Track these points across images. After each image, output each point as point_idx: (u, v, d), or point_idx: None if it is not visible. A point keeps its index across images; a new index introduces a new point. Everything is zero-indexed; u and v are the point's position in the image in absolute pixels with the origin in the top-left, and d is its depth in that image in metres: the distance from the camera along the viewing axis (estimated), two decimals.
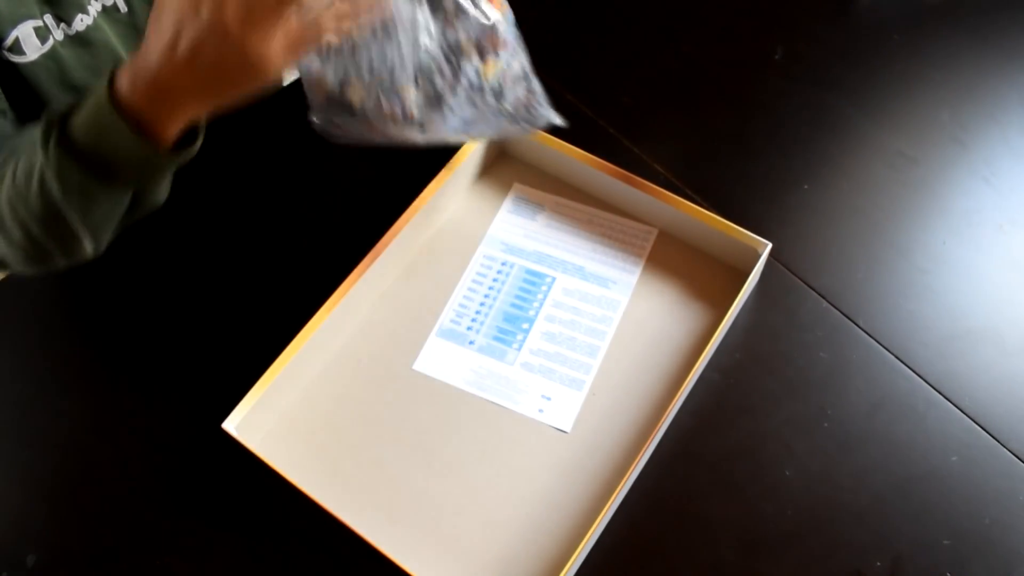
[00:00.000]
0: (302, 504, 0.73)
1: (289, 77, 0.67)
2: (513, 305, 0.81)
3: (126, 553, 0.72)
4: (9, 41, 0.75)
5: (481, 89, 0.65)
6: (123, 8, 0.82)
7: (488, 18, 0.64)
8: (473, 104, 0.66)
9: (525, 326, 0.80)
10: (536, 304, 0.81)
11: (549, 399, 0.76)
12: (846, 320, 0.79)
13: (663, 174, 0.89)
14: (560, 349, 0.78)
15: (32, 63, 0.77)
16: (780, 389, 0.76)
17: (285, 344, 0.75)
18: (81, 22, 0.79)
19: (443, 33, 0.64)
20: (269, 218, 0.90)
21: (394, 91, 0.64)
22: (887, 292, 0.81)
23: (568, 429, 0.75)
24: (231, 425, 0.72)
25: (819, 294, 0.81)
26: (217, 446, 0.76)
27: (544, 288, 0.82)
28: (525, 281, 0.82)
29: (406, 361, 0.79)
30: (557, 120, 0.70)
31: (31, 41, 0.76)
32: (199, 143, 0.66)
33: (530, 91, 0.68)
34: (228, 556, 0.72)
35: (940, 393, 0.75)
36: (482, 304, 0.81)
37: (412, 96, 0.64)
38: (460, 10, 0.63)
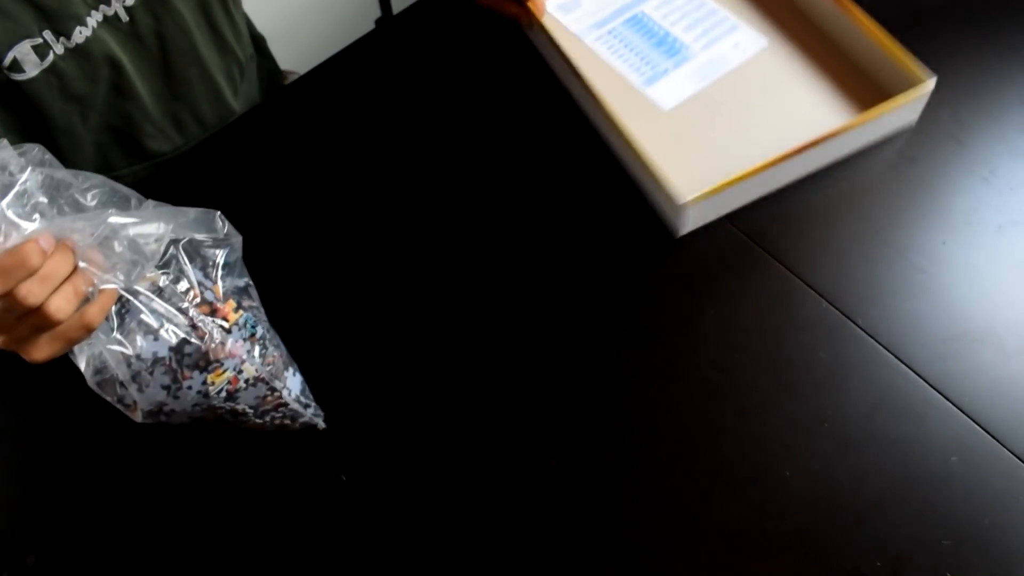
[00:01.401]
0: (302, 505, 0.73)
1: None
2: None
3: (126, 553, 0.72)
4: (7, 61, 0.75)
5: (207, 395, 0.67)
6: (124, 17, 0.82)
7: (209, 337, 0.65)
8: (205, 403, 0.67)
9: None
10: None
11: None
12: (845, 320, 0.79)
13: None
14: None
15: (33, 79, 0.77)
16: (780, 389, 0.76)
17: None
18: (80, 34, 0.79)
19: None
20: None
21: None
22: (886, 292, 0.81)
23: None
24: None
25: (818, 294, 0.81)
26: (217, 446, 0.77)
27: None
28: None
29: None
30: (316, 421, 0.73)
31: (30, 59, 0.76)
32: None
33: (272, 391, 0.69)
34: (228, 556, 0.72)
35: (940, 393, 0.75)
36: None
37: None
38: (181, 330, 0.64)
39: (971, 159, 0.89)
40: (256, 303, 0.71)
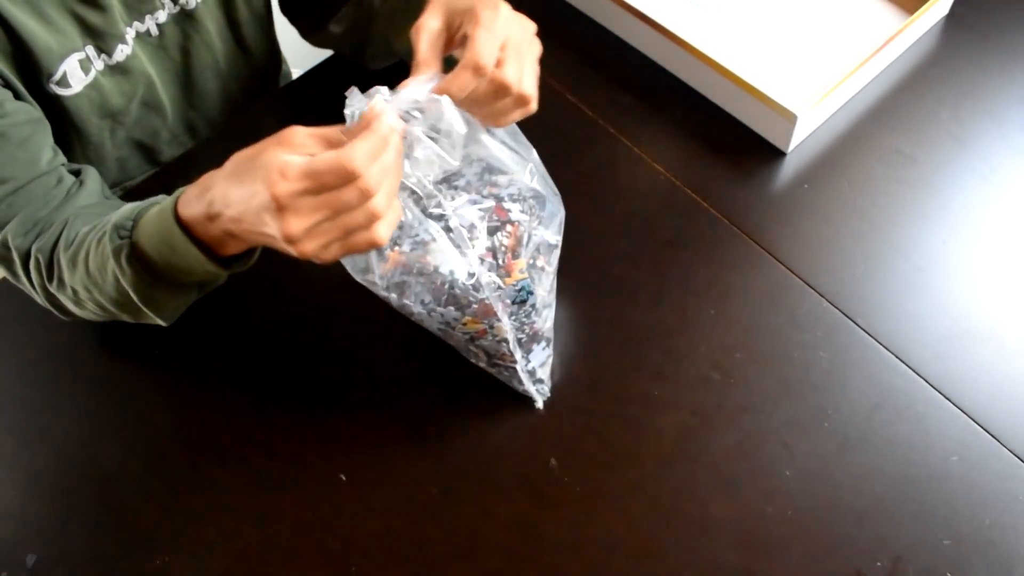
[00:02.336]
0: (303, 506, 0.73)
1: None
2: None
3: (126, 553, 0.72)
4: (58, 75, 0.76)
5: (453, 328, 0.68)
6: (154, 32, 0.83)
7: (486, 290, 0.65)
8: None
9: None
10: None
11: None
12: (846, 319, 0.79)
13: (663, 174, 0.89)
14: None
15: (76, 95, 0.78)
16: (780, 389, 0.76)
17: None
18: (121, 52, 0.80)
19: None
20: None
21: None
22: (886, 291, 0.81)
23: None
24: None
25: (819, 293, 0.81)
26: (217, 445, 0.77)
27: None
28: None
29: None
30: (537, 398, 0.76)
31: (76, 74, 0.77)
32: (256, 256, 0.69)
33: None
34: (228, 556, 0.72)
35: (940, 393, 0.75)
36: None
37: None
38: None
39: (971, 158, 0.89)
40: (551, 268, 0.70)
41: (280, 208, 0.54)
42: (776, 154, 0.90)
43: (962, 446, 0.72)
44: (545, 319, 0.72)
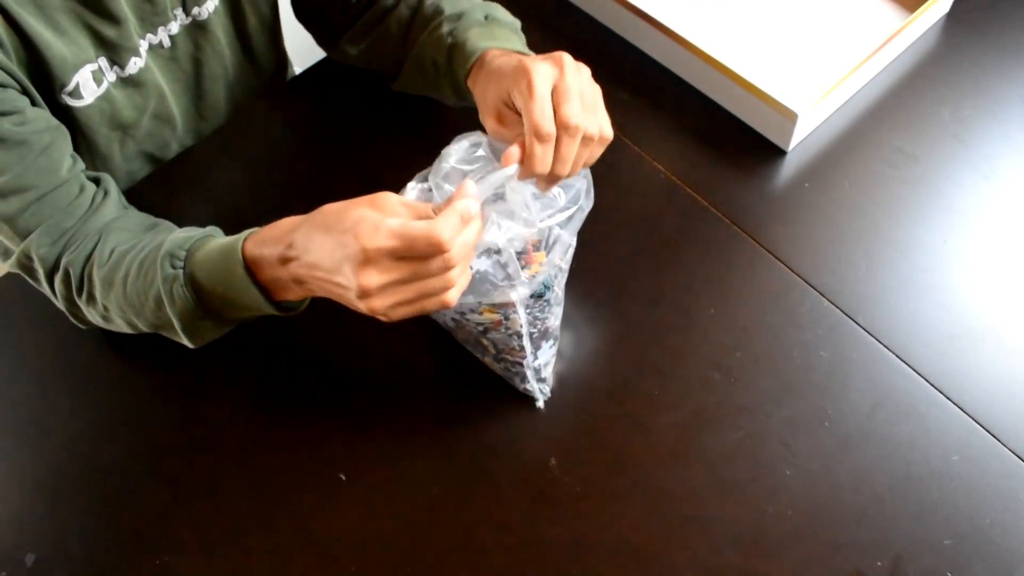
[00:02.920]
0: (303, 506, 0.73)
1: None
2: None
3: (126, 553, 0.72)
4: (71, 86, 0.76)
5: (466, 316, 0.70)
6: (166, 44, 0.83)
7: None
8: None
9: None
10: None
11: None
12: (846, 319, 0.79)
13: (663, 173, 0.89)
14: None
15: (88, 106, 0.78)
16: (780, 389, 0.76)
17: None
18: (134, 65, 0.80)
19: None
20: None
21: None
22: (887, 291, 0.80)
23: None
24: None
25: (819, 292, 0.80)
26: (217, 445, 0.77)
27: None
28: None
29: None
30: (538, 397, 0.76)
31: (89, 85, 0.77)
32: (307, 303, 0.71)
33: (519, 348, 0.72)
34: (228, 556, 0.72)
35: (941, 392, 0.75)
36: None
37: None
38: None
39: (973, 157, 0.89)
40: (566, 266, 0.72)
41: (366, 260, 0.57)
42: (777, 153, 0.90)
43: (963, 445, 0.72)
44: (556, 316, 0.73)
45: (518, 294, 0.66)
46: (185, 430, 0.78)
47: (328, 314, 0.82)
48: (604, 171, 0.90)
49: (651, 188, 0.88)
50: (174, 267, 0.68)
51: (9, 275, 0.87)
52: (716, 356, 0.78)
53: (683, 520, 0.71)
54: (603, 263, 0.84)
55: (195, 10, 0.83)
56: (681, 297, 0.81)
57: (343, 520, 0.72)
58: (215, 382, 0.80)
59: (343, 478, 0.74)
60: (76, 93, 0.77)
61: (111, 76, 0.79)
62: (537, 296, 0.68)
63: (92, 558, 0.72)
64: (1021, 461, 0.71)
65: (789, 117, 0.86)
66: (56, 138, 0.74)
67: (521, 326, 0.69)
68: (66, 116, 0.78)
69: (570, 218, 0.68)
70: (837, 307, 0.80)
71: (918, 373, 0.76)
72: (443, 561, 0.70)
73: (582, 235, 0.85)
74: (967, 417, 0.73)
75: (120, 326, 0.75)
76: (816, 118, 0.89)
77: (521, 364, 0.73)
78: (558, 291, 0.71)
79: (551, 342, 0.74)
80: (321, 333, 0.81)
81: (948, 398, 0.74)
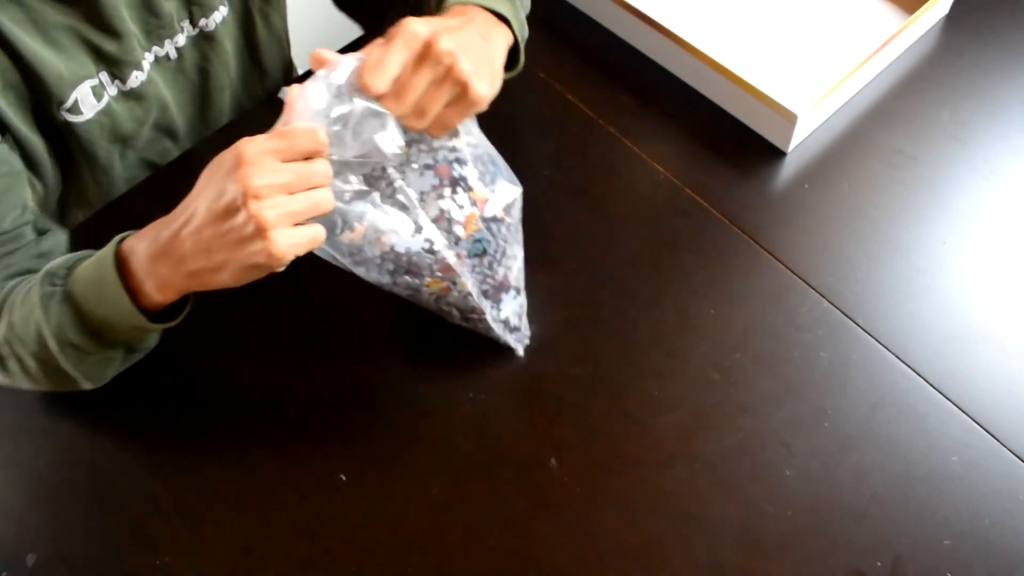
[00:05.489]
0: (303, 506, 0.73)
1: None
2: None
3: (126, 553, 0.72)
4: (69, 103, 0.75)
5: (419, 291, 0.71)
6: (173, 55, 0.83)
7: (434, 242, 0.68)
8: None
9: None
10: None
11: None
12: (846, 319, 0.79)
13: (663, 174, 0.89)
14: None
15: (87, 121, 0.77)
16: (780, 389, 0.76)
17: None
18: (136, 79, 0.79)
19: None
20: None
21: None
22: (887, 291, 0.81)
23: None
24: None
25: (819, 293, 0.81)
26: (217, 445, 0.77)
27: None
28: None
29: None
30: (516, 346, 0.77)
31: (88, 100, 0.76)
32: (187, 311, 0.69)
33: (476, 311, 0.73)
34: (228, 556, 0.72)
35: (940, 393, 0.75)
36: None
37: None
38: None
39: (972, 158, 0.89)
40: (513, 220, 0.73)
41: (248, 163, 0.57)
42: (776, 154, 0.90)
43: (962, 446, 0.72)
44: (509, 268, 0.74)
45: (452, 259, 0.68)
46: (185, 430, 0.78)
47: (328, 313, 0.82)
48: (604, 171, 0.91)
49: (651, 188, 0.89)
50: (53, 284, 0.66)
51: None
52: (716, 356, 0.78)
53: (683, 520, 0.71)
54: (603, 263, 0.84)
55: (202, 21, 0.83)
56: (681, 298, 0.81)
57: (343, 520, 0.72)
58: (215, 382, 0.80)
59: (343, 478, 0.74)
60: (75, 109, 0.76)
61: (112, 90, 0.78)
62: (478, 255, 0.70)
63: (92, 558, 0.72)
64: (1021, 461, 0.71)
65: (789, 118, 0.86)
66: (12, 185, 0.72)
67: (470, 287, 0.70)
68: (64, 132, 0.77)
69: (456, 155, 0.69)
70: (837, 308, 0.80)
71: (918, 373, 0.76)
72: (443, 561, 0.70)
73: (583, 235, 0.85)
74: (967, 417, 0.74)
75: (13, 371, 0.71)
76: (816, 119, 0.89)
77: (487, 320, 0.74)
78: (503, 244, 0.72)
79: (512, 293, 0.75)
80: (321, 333, 0.81)
81: (948, 398, 0.74)
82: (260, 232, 0.57)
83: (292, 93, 0.61)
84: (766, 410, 0.75)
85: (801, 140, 0.90)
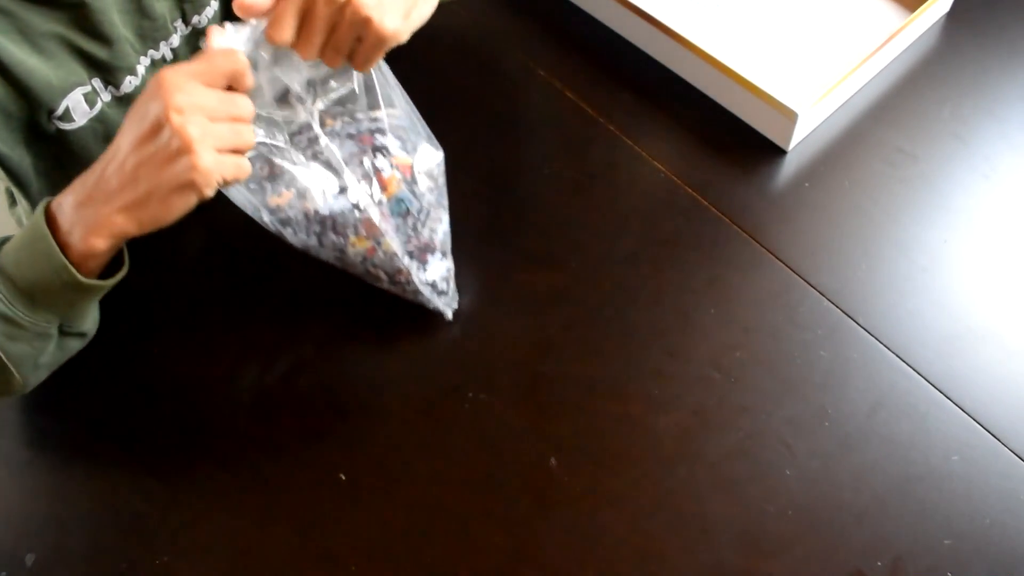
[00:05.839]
0: (303, 506, 0.73)
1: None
2: None
3: (126, 553, 0.72)
4: (60, 111, 0.75)
5: (344, 252, 0.72)
6: (168, 57, 0.82)
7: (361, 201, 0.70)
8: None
9: None
10: None
11: None
12: (846, 318, 0.79)
13: (663, 172, 0.89)
14: None
15: (80, 128, 0.77)
16: (780, 388, 0.76)
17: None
18: (130, 84, 0.79)
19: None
20: None
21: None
22: (888, 290, 0.80)
23: None
24: None
25: (819, 292, 0.80)
26: (217, 445, 0.77)
27: None
28: None
29: None
30: (445, 310, 0.78)
31: (80, 108, 0.76)
32: (123, 272, 0.68)
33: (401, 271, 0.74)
34: (228, 556, 0.72)
35: (941, 392, 0.75)
36: None
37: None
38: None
39: (973, 156, 0.89)
40: (437, 184, 0.74)
41: (171, 87, 0.58)
42: (777, 152, 0.90)
43: (963, 445, 0.72)
44: (434, 231, 0.75)
45: (376, 217, 0.69)
46: (185, 430, 0.78)
47: (328, 314, 0.82)
48: (604, 169, 0.91)
49: (651, 188, 0.88)
50: None
51: None
52: (716, 356, 0.78)
53: (683, 520, 0.71)
54: (603, 263, 0.84)
55: (195, 19, 0.83)
56: (681, 297, 0.81)
57: (343, 520, 0.72)
58: (215, 382, 0.80)
59: (343, 478, 0.74)
60: (67, 117, 0.76)
61: (105, 96, 0.78)
62: (401, 215, 0.71)
63: (92, 558, 0.73)
64: (1021, 461, 0.71)
65: (789, 116, 0.86)
66: None
67: (395, 247, 0.71)
68: (56, 139, 0.77)
69: (378, 125, 0.71)
70: (837, 307, 0.80)
71: (918, 373, 0.76)
72: (443, 561, 0.70)
73: (583, 234, 0.85)
74: (967, 417, 0.73)
75: None
76: (816, 117, 0.89)
77: (414, 282, 0.75)
78: (426, 205, 0.73)
79: (438, 256, 0.76)
80: (321, 333, 0.81)
81: (948, 398, 0.74)
82: (185, 147, 0.58)
83: (213, 30, 0.61)
84: (766, 410, 0.75)
85: (802, 138, 0.90)
